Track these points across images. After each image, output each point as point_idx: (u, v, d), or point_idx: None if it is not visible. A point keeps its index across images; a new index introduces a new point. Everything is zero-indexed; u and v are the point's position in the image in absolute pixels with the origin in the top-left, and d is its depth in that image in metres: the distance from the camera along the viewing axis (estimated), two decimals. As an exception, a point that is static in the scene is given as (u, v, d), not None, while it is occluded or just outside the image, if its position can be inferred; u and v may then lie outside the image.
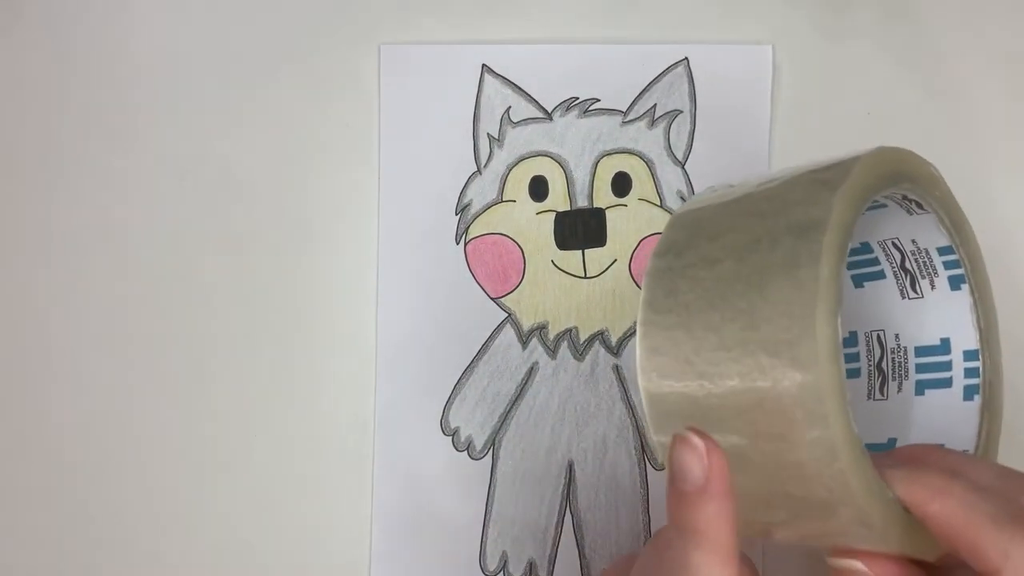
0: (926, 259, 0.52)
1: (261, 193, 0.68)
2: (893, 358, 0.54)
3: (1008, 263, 0.64)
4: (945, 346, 0.52)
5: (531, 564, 0.66)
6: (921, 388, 0.53)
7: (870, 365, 0.55)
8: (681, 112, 0.67)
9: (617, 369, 0.67)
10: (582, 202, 0.67)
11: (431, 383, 0.67)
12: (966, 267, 0.51)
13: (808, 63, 0.67)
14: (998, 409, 0.51)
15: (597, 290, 0.67)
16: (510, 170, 0.68)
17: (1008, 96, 0.66)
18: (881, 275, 0.54)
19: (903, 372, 0.54)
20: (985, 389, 0.50)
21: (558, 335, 0.67)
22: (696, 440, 0.43)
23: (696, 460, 0.43)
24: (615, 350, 0.67)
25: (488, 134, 0.68)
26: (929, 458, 0.46)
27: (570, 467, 0.67)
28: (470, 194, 0.68)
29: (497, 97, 0.68)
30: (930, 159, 0.51)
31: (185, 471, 0.67)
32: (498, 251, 0.67)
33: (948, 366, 0.52)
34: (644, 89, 0.67)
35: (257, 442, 0.67)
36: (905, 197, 0.48)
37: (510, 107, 0.68)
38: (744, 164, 0.66)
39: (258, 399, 0.67)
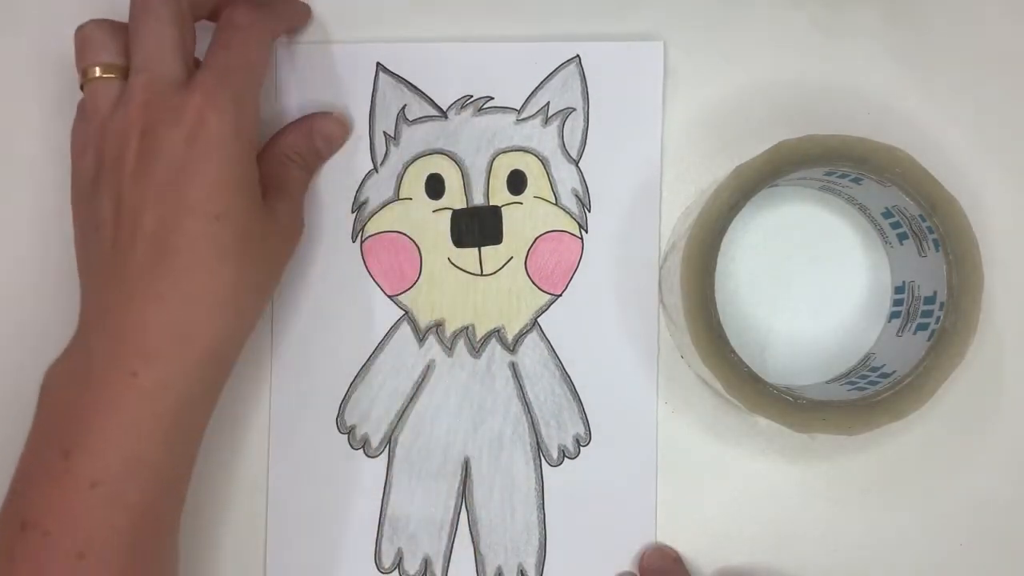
0: (919, 224, 0.58)
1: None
2: (913, 305, 0.61)
3: (1008, 263, 0.64)
4: (933, 299, 0.58)
5: (426, 561, 0.66)
6: (915, 329, 0.60)
7: (908, 308, 0.62)
8: (575, 110, 0.68)
9: (513, 366, 0.67)
10: (478, 200, 0.67)
11: (327, 381, 0.67)
12: (939, 232, 0.56)
13: (808, 63, 0.67)
14: (948, 353, 0.57)
15: (493, 288, 0.67)
16: (406, 168, 0.68)
17: (1008, 96, 0.67)
18: (907, 236, 0.60)
19: (914, 316, 0.60)
20: (939, 334, 0.57)
21: (455, 332, 0.67)
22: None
23: None
24: (511, 347, 0.67)
25: (384, 132, 0.68)
26: None
27: (466, 464, 0.66)
28: (366, 192, 0.68)
29: (392, 95, 0.68)
30: (930, 159, 0.56)
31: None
32: (394, 248, 0.67)
33: (930, 313, 0.58)
34: (537, 87, 0.68)
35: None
36: (863, 173, 0.57)
37: (405, 105, 0.68)
38: (638, 161, 0.67)
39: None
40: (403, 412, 0.67)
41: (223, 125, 0.56)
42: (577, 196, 0.67)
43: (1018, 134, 0.66)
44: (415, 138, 0.68)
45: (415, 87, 0.68)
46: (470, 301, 0.67)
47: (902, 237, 0.61)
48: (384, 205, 0.68)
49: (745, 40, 0.67)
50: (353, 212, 0.68)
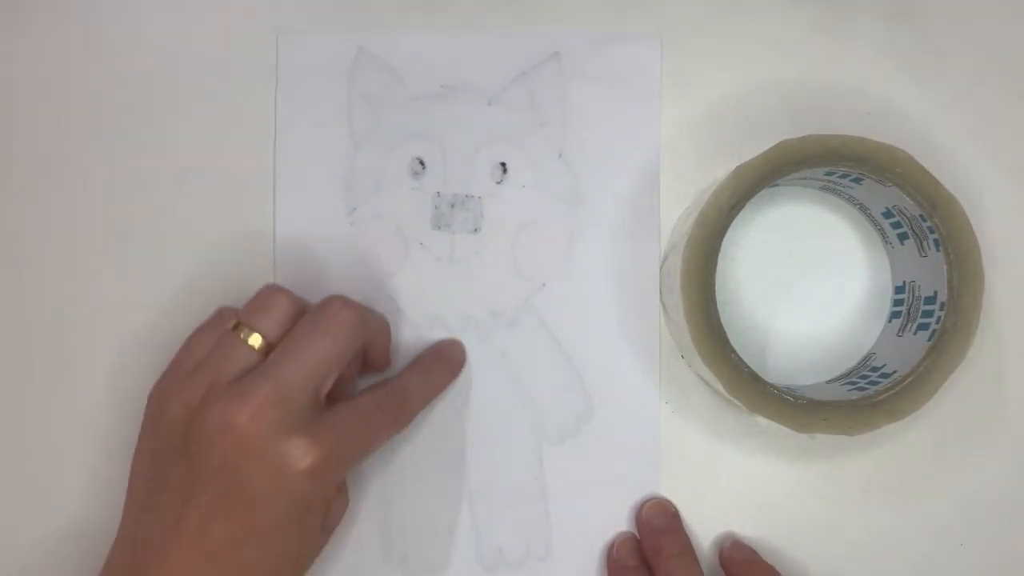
0: (919, 224, 0.58)
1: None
2: (913, 304, 0.61)
3: (1008, 262, 0.64)
4: (933, 299, 0.59)
5: (427, 542, 0.66)
6: (915, 329, 0.60)
7: (908, 308, 0.62)
8: (562, 101, 0.67)
9: (507, 349, 0.66)
10: (460, 187, 0.67)
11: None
12: (939, 232, 0.57)
13: (808, 63, 0.67)
14: (948, 353, 0.57)
15: (477, 274, 0.67)
16: (389, 150, 0.67)
17: (1008, 96, 0.67)
18: (907, 236, 0.60)
19: (914, 316, 0.60)
20: (939, 334, 0.57)
21: (442, 317, 0.67)
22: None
23: None
24: (504, 331, 0.66)
25: (368, 117, 0.67)
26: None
27: (466, 444, 0.67)
28: (355, 173, 0.67)
29: (377, 80, 0.68)
30: (930, 159, 0.56)
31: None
32: (380, 234, 0.67)
33: (931, 313, 0.58)
34: (524, 77, 0.67)
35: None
36: (863, 173, 0.57)
37: (389, 89, 0.67)
38: (632, 153, 0.66)
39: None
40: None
41: (313, 499, 0.54)
42: (563, 185, 0.67)
43: (1018, 134, 0.66)
44: (400, 123, 0.67)
45: (398, 74, 0.67)
46: (452, 287, 0.67)
47: (903, 237, 0.61)
48: (369, 186, 0.67)
49: (745, 40, 0.66)
50: (344, 192, 0.67)
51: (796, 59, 0.66)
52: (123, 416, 0.65)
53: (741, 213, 0.57)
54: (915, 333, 0.60)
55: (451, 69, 0.67)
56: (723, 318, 0.57)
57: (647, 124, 0.66)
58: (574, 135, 0.67)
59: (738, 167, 0.56)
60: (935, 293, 0.58)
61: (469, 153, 0.67)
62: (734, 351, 0.56)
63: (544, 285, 0.66)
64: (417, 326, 0.66)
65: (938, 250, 0.57)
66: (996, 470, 0.64)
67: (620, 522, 0.65)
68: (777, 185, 0.58)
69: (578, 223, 0.66)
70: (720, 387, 0.56)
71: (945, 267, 0.57)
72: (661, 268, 0.65)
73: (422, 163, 0.67)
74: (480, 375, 0.66)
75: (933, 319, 0.58)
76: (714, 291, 0.56)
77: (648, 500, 0.64)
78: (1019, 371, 0.64)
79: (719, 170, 0.63)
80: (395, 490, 0.66)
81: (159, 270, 0.67)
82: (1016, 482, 0.64)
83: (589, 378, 0.66)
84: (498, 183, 0.67)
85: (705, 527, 0.64)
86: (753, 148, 0.57)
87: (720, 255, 0.57)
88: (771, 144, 0.56)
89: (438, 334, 0.66)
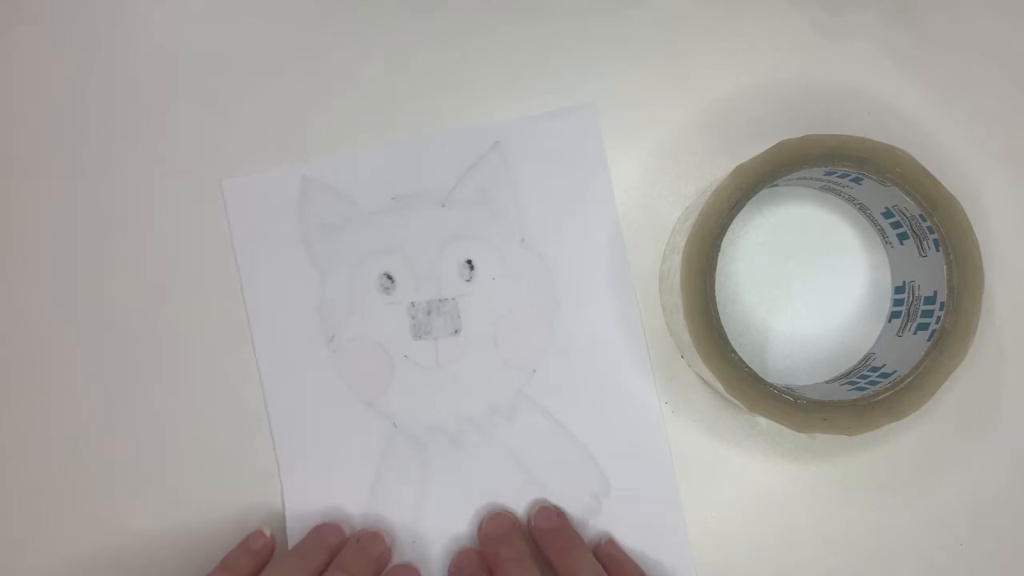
0: (919, 224, 0.58)
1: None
2: (913, 304, 0.61)
3: (1008, 262, 0.64)
4: (933, 299, 0.59)
5: None
6: (915, 329, 0.60)
7: (908, 308, 0.62)
8: (512, 189, 0.67)
9: (510, 443, 0.66)
10: (431, 293, 0.66)
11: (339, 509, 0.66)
12: (939, 232, 0.57)
13: (808, 63, 0.67)
14: (948, 353, 0.57)
15: (464, 377, 0.66)
16: (354, 272, 0.67)
17: (1008, 96, 0.67)
18: (907, 236, 0.60)
19: (914, 316, 0.60)
20: (939, 334, 0.57)
21: (437, 427, 0.66)
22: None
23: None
24: (503, 425, 0.66)
25: (326, 243, 0.67)
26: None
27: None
28: (324, 301, 0.67)
29: (328, 205, 0.67)
30: (930, 159, 0.56)
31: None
32: (363, 353, 0.67)
33: (931, 313, 0.59)
34: (467, 173, 0.67)
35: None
36: (863, 173, 0.57)
37: (342, 213, 0.67)
38: (593, 223, 0.66)
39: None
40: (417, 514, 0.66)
41: None
42: (531, 268, 0.66)
43: (1018, 134, 0.66)
44: (359, 242, 0.67)
45: (345, 194, 0.67)
46: (445, 393, 0.66)
47: (902, 237, 0.61)
48: (345, 310, 0.67)
49: (745, 40, 0.66)
50: (318, 321, 0.67)
51: (796, 59, 0.66)
52: (122, 416, 0.66)
53: (741, 213, 0.57)
54: (915, 333, 0.60)
55: (399, 179, 0.67)
56: (723, 318, 0.57)
57: (599, 188, 0.66)
58: (531, 218, 0.66)
59: (738, 167, 0.56)
60: (935, 293, 0.58)
61: (433, 257, 0.66)
62: (734, 351, 0.56)
63: (535, 371, 0.66)
64: (417, 438, 0.66)
65: (938, 250, 0.57)
66: (996, 470, 0.64)
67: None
68: (777, 185, 0.58)
69: (554, 302, 0.66)
70: (720, 387, 0.56)
71: (945, 267, 0.57)
72: (661, 268, 0.65)
73: (390, 277, 0.66)
74: (491, 476, 0.65)
75: (933, 319, 0.58)
76: (714, 291, 0.56)
77: (490, 511, 0.65)
78: (1019, 371, 0.64)
79: (719, 170, 0.63)
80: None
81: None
82: (1016, 482, 0.64)
83: (599, 452, 0.65)
84: (468, 281, 0.66)
85: (705, 528, 0.64)
86: (753, 148, 0.57)
87: (720, 255, 0.57)
88: (771, 144, 0.56)
89: (440, 443, 0.66)
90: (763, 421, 0.61)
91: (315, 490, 0.65)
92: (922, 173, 0.56)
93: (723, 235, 0.57)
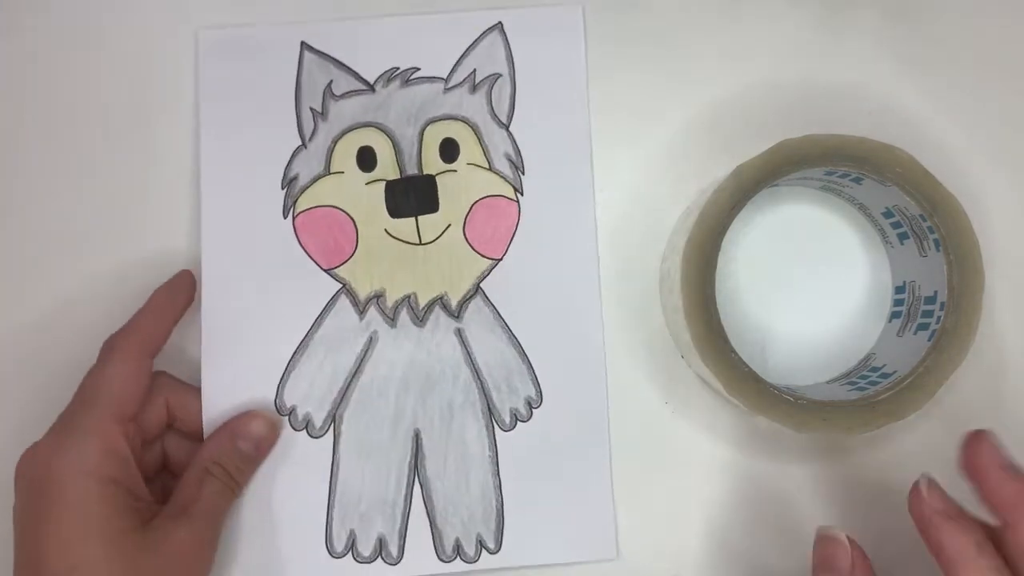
0: (920, 224, 0.58)
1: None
2: (913, 305, 0.61)
3: (1008, 262, 0.65)
4: (933, 299, 0.59)
5: (381, 540, 0.64)
6: (915, 329, 0.60)
7: (908, 308, 0.62)
8: (501, 76, 0.67)
9: (459, 332, 0.66)
10: (411, 170, 0.66)
11: (262, 362, 0.65)
12: (940, 232, 0.57)
13: (808, 63, 0.67)
14: (948, 353, 0.57)
15: (433, 255, 0.66)
16: (335, 142, 0.66)
17: (1008, 96, 0.67)
18: (907, 236, 0.61)
19: (915, 316, 0.61)
20: (939, 334, 0.58)
21: (396, 302, 0.66)
22: (842, 537, 0.55)
23: (843, 553, 0.54)
24: (455, 313, 0.66)
25: (311, 108, 0.66)
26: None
27: (416, 436, 0.65)
28: (296, 168, 0.66)
29: (318, 72, 0.67)
30: (930, 159, 0.56)
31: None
32: (328, 223, 0.66)
33: (931, 313, 0.59)
34: (462, 55, 0.67)
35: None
36: (863, 173, 0.57)
37: (332, 81, 0.67)
38: (568, 121, 0.67)
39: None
40: (346, 388, 0.65)
41: (67, 467, 0.56)
42: (510, 160, 0.67)
43: (1018, 134, 0.67)
44: (343, 112, 0.67)
45: (340, 63, 0.67)
46: (410, 270, 0.66)
47: (903, 237, 0.61)
48: (315, 180, 0.66)
49: (745, 40, 0.66)
50: (283, 188, 0.66)
51: (796, 59, 0.66)
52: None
53: (741, 213, 0.57)
54: (915, 333, 0.60)
55: (397, 55, 0.67)
56: (723, 318, 0.57)
57: (576, 86, 0.68)
58: (511, 104, 0.68)
59: (738, 167, 0.56)
60: (935, 293, 0.59)
61: (416, 135, 0.67)
62: (734, 351, 0.57)
63: (501, 259, 0.66)
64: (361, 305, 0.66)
65: (938, 250, 0.58)
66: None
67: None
68: (777, 185, 0.58)
69: (522, 190, 0.67)
70: (720, 387, 0.56)
71: (945, 267, 0.58)
72: (661, 268, 0.65)
73: (372, 152, 0.67)
74: (435, 361, 0.66)
75: (933, 319, 0.59)
76: (714, 291, 0.56)
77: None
78: (1019, 371, 0.65)
79: (719, 169, 0.62)
80: (346, 479, 0.65)
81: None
82: (1016, 482, 0.66)
83: (536, 342, 0.66)
84: (449, 161, 0.67)
85: (704, 527, 0.65)
86: (753, 148, 0.57)
87: (720, 255, 0.57)
88: (771, 144, 0.56)
89: (403, 317, 0.66)
90: (763, 421, 0.61)
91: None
92: (922, 173, 0.57)
93: (723, 235, 0.57)
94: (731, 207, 0.56)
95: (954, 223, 0.57)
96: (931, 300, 0.59)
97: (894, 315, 0.64)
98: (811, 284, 0.65)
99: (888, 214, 0.61)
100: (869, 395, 0.58)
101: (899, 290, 0.64)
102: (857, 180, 0.59)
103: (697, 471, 0.65)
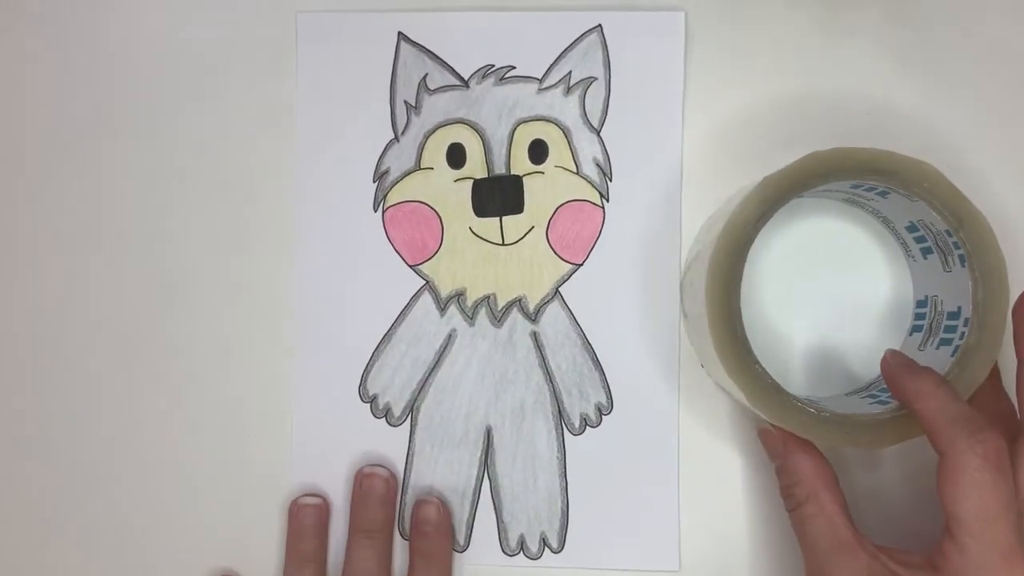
0: (945, 239, 0.58)
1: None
2: (935, 319, 0.61)
3: (1008, 262, 0.63)
4: (957, 314, 0.58)
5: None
6: (938, 344, 0.60)
7: (930, 323, 0.62)
8: (596, 79, 0.67)
9: (535, 335, 0.67)
10: (499, 169, 0.67)
11: (349, 350, 0.68)
12: (965, 248, 0.56)
13: (808, 63, 0.66)
14: (971, 369, 0.57)
15: (515, 257, 0.67)
16: (427, 138, 0.68)
17: (1008, 96, 0.66)
18: (931, 250, 0.60)
19: (936, 331, 0.60)
20: (963, 350, 0.57)
21: (476, 302, 0.67)
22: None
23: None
24: (532, 316, 0.67)
25: (405, 102, 0.68)
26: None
27: (488, 433, 0.67)
28: (387, 161, 0.68)
29: (413, 65, 0.68)
30: (930, 158, 0.55)
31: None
32: (416, 219, 0.67)
33: (954, 329, 0.58)
34: (559, 56, 0.67)
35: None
36: (891, 187, 0.57)
37: (427, 74, 0.68)
38: (661, 131, 0.67)
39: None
40: (425, 381, 0.68)
41: None
42: (598, 165, 0.67)
43: (1019, 134, 0.66)
44: (436, 107, 0.68)
45: (436, 56, 0.68)
46: (491, 270, 0.67)
47: (926, 251, 0.61)
48: (405, 175, 0.68)
49: (745, 41, 0.67)
50: (374, 182, 0.68)
51: (796, 59, 0.66)
52: (119, 415, 0.68)
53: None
54: (937, 348, 0.59)
55: (494, 51, 0.68)
56: (745, 329, 0.57)
57: (671, 95, 0.67)
58: (604, 108, 0.68)
59: (765, 178, 0.56)
60: (959, 309, 0.58)
61: (508, 134, 0.68)
62: (758, 362, 0.56)
63: (582, 264, 0.67)
64: (443, 302, 0.68)
65: (963, 266, 0.57)
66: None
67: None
68: (801, 196, 0.58)
69: (608, 196, 0.67)
70: (742, 397, 0.57)
71: (970, 283, 0.57)
72: (683, 278, 0.65)
73: (462, 148, 0.68)
74: (509, 361, 0.68)
75: (956, 335, 0.58)
76: (739, 302, 0.56)
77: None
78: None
79: (741, 178, 0.62)
80: (420, 468, 0.68)
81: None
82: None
83: (610, 349, 0.67)
84: (537, 163, 0.67)
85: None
86: (771, 156, 0.58)
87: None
88: (778, 148, 0.58)
89: (481, 316, 0.68)
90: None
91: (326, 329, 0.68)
92: (949, 188, 0.56)
93: (749, 247, 0.56)
94: (757, 218, 0.56)
95: (980, 239, 0.56)
96: (954, 316, 0.58)
97: (915, 329, 0.63)
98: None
99: (912, 228, 0.61)
100: (891, 408, 0.57)
101: (920, 304, 0.63)
102: (883, 194, 0.59)
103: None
